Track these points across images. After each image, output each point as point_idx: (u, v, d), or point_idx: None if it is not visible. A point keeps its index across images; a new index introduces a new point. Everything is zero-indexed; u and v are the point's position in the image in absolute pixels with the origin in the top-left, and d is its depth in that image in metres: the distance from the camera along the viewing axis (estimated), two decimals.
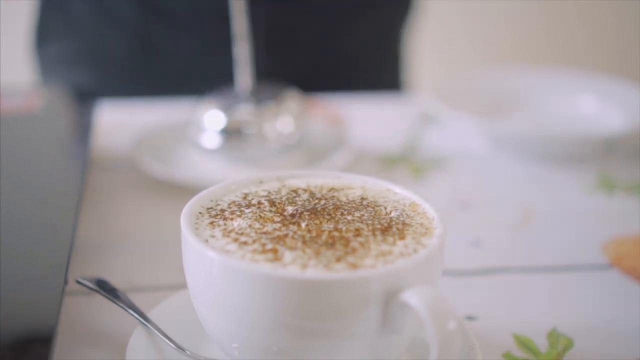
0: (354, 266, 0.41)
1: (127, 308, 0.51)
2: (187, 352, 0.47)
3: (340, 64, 1.10)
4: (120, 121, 0.90)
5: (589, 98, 0.90)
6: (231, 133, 0.75)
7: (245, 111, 0.76)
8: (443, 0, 1.94)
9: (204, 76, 1.02)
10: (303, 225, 0.45)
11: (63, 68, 1.08)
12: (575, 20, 2.19)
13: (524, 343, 0.53)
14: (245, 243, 0.43)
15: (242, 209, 0.47)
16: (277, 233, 0.44)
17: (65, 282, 0.53)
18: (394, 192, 0.50)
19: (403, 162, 0.83)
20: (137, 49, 1.04)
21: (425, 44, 1.55)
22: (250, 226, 0.45)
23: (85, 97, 0.93)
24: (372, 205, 0.48)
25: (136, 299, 0.52)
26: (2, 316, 0.48)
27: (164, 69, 1.05)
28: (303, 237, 0.44)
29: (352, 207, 0.48)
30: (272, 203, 0.48)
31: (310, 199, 0.48)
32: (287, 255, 0.42)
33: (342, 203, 0.48)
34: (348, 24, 1.08)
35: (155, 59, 1.04)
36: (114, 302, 0.52)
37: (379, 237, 0.44)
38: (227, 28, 0.90)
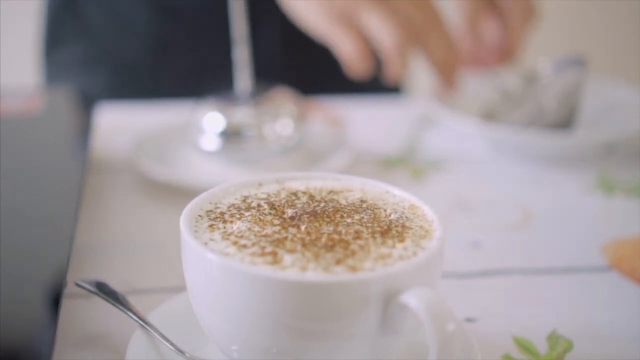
0: (353, 269, 0.41)
1: (126, 310, 0.50)
2: (187, 354, 0.47)
3: (336, 66, 1.10)
4: (119, 123, 0.90)
5: (588, 99, 0.90)
6: (230, 135, 0.75)
7: (244, 113, 0.76)
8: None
9: (216, 78, 1.02)
10: (302, 228, 0.45)
11: (72, 72, 1.08)
12: (574, 21, 2.19)
13: (523, 345, 0.53)
14: (244, 246, 0.43)
15: (242, 211, 0.47)
16: (276, 236, 0.44)
17: (65, 284, 0.53)
18: (393, 194, 0.50)
19: (402, 164, 0.83)
20: (149, 52, 1.04)
21: None
22: (249, 229, 0.45)
23: (92, 100, 0.93)
24: (372, 208, 0.48)
25: (135, 302, 0.52)
26: (2, 319, 0.48)
27: (175, 72, 1.05)
28: (302, 239, 0.44)
29: (352, 209, 0.48)
30: (271, 206, 0.48)
31: (310, 202, 0.48)
32: (287, 258, 0.42)
33: (342, 205, 0.48)
34: None
35: (167, 60, 1.04)
36: (113, 304, 0.52)
37: (379, 240, 0.44)
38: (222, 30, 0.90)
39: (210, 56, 1.03)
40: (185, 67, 1.05)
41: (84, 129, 0.80)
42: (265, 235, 0.44)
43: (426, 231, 0.46)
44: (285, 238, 0.44)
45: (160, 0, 1.02)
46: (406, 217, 0.47)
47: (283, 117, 0.77)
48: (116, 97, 0.98)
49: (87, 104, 0.88)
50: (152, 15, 1.03)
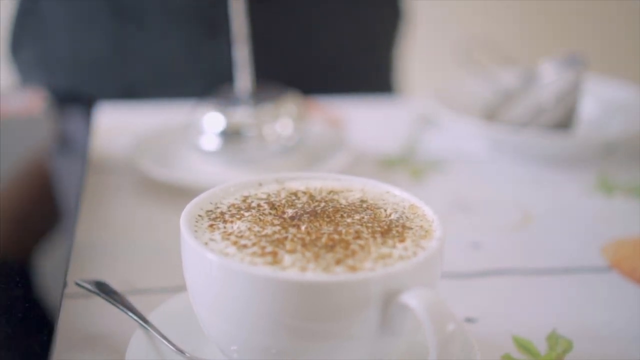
0: (353, 269, 0.41)
1: (126, 310, 0.51)
2: (187, 354, 0.47)
3: (331, 67, 1.10)
4: (119, 123, 0.90)
5: (588, 100, 0.90)
6: (230, 135, 0.75)
7: (244, 113, 0.76)
8: (434, 3, 1.95)
9: (179, 77, 1.02)
10: (303, 228, 0.45)
11: (40, 71, 1.08)
12: (573, 21, 2.19)
13: (523, 345, 0.53)
14: (244, 246, 0.43)
15: (242, 211, 0.47)
16: (276, 236, 0.44)
17: (65, 284, 0.53)
18: (393, 195, 0.50)
19: (402, 164, 0.83)
20: (111, 52, 1.04)
21: (417, 47, 1.56)
22: (249, 229, 0.45)
23: (77, 101, 0.93)
24: (372, 208, 0.48)
25: (135, 302, 0.52)
26: (2, 319, 0.48)
27: (138, 71, 1.05)
28: (302, 240, 0.44)
29: (352, 209, 0.48)
30: (271, 206, 0.48)
31: (310, 202, 0.48)
32: (287, 258, 0.42)
33: (342, 206, 0.48)
34: (339, 27, 1.09)
35: (130, 60, 1.04)
36: (113, 304, 0.52)
37: (379, 240, 0.44)
38: (203, 29, 0.90)
39: (186, 55, 1.03)
40: (157, 67, 1.05)
41: (84, 130, 0.79)
42: (266, 236, 0.44)
43: (426, 231, 0.46)
44: (285, 238, 0.44)
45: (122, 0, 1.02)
46: (406, 217, 0.47)
47: (283, 117, 0.77)
48: (88, 96, 0.98)
49: (63, 104, 0.87)
50: (116, 15, 1.03)
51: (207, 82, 0.94)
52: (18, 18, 1.08)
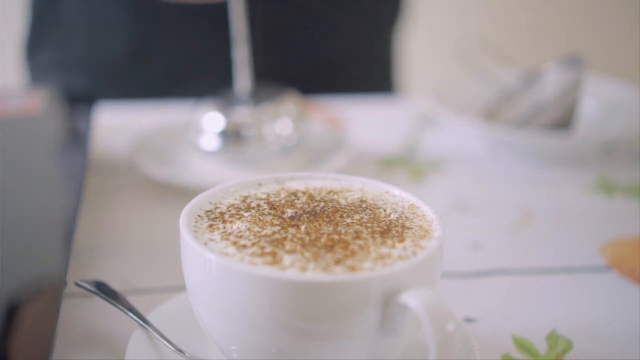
0: (353, 269, 0.41)
1: (126, 310, 0.51)
2: (187, 354, 0.47)
3: (331, 67, 1.10)
4: (119, 124, 0.90)
5: (588, 100, 0.90)
6: (230, 135, 0.75)
7: (244, 113, 0.76)
8: (435, 3, 1.95)
9: (197, 79, 1.02)
10: (302, 228, 0.45)
11: (56, 74, 1.08)
12: (573, 21, 2.19)
13: (523, 345, 0.53)
14: (244, 246, 0.43)
15: (242, 212, 0.47)
16: (276, 236, 0.44)
17: (65, 284, 0.53)
18: (393, 195, 0.50)
19: (402, 164, 0.83)
20: (130, 53, 1.04)
21: (417, 45, 1.56)
22: (249, 229, 0.45)
23: (78, 102, 0.93)
24: (372, 208, 0.48)
25: (135, 302, 0.52)
26: (2, 319, 0.48)
27: (158, 73, 1.05)
28: (302, 240, 0.44)
29: (352, 209, 0.48)
30: (271, 206, 0.48)
31: (310, 202, 0.48)
32: (287, 259, 0.42)
33: (342, 206, 0.48)
34: (339, 26, 1.09)
35: (149, 61, 1.04)
36: (113, 304, 0.52)
37: (379, 240, 0.44)
38: (222, 30, 0.90)
39: (204, 57, 1.03)
40: (168, 68, 1.05)
41: (84, 130, 0.79)
42: (265, 236, 0.44)
43: (426, 231, 0.46)
44: (285, 238, 0.44)
45: (143, 1, 1.02)
46: (406, 217, 0.47)
47: (283, 117, 0.77)
48: (105, 99, 0.98)
49: (80, 106, 0.87)
50: (134, 16, 1.03)
51: (225, 83, 0.94)
52: (34, 21, 1.08)
